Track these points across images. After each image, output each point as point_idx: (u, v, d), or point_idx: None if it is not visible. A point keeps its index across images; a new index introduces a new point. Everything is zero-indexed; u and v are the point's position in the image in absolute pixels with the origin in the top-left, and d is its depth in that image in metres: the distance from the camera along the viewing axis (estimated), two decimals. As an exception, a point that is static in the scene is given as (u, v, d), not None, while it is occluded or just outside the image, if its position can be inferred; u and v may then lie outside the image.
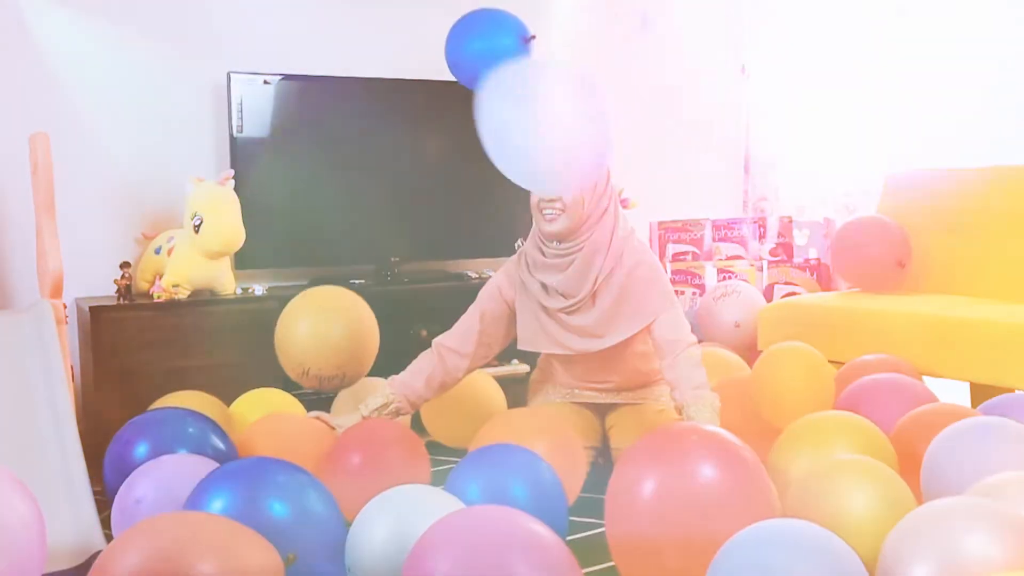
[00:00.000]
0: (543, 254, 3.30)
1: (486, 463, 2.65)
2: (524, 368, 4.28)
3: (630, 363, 3.39)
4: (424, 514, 2.19)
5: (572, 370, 3.44)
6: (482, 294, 3.43)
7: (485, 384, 3.81)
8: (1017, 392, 3.16)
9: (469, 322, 3.38)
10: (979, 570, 1.92)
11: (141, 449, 2.90)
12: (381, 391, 3.30)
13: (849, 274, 4.45)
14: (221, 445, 2.99)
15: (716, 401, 3.06)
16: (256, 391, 3.58)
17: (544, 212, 3.23)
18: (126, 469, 2.81)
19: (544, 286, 3.28)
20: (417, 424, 3.75)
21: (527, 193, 4.77)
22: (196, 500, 2.35)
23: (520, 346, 3.39)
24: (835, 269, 4.54)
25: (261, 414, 3.39)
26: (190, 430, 2.97)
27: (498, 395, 3.83)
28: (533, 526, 1.99)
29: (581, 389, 3.47)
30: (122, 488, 2.65)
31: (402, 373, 3.34)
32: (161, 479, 2.61)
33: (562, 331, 3.29)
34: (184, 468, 2.65)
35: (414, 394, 3.30)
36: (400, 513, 2.25)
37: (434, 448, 3.72)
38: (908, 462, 2.73)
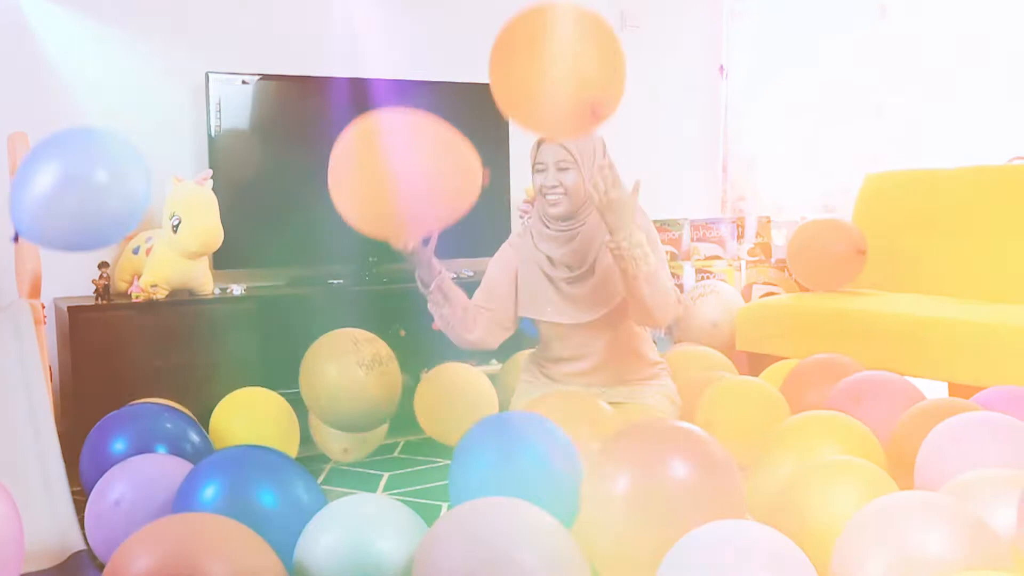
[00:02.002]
0: (547, 227, 3.39)
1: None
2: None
3: (627, 341, 3.43)
4: (374, 525, 2.20)
5: (567, 343, 3.44)
6: (492, 263, 3.51)
7: (478, 382, 3.85)
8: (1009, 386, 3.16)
9: (486, 286, 3.46)
10: (931, 567, 1.92)
11: (119, 445, 2.92)
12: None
13: (807, 274, 4.46)
14: (198, 441, 3.03)
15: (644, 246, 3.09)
16: (242, 390, 3.56)
17: (547, 197, 3.31)
18: (104, 464, 2.82)
19: (549, 257, 3.37)
20: (413, 421, 3.81)
21: (505, 195, 4.80)
22: (188, 489, 2.41)
23: (520, 311, 3.43)
24: (793, 271, 4.56)
25: (247, 414, 3.43)
26: (167, 426, 3.01)
27: (490, 393, 3.86)
28: (541, 517, 2.04)
29: (568, 380, 3.47)
30: (95, 490, 2.65)
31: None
32: (136, 481, 2.61)
33: (561, 300, 3.36)
34: (158, 469, 2.66)
35: (450, 288, 3.32)
36: (349, 524, 2.23)
37: (429, 448, 3.82)
38: (908, 461, 2.71)
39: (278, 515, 2.34)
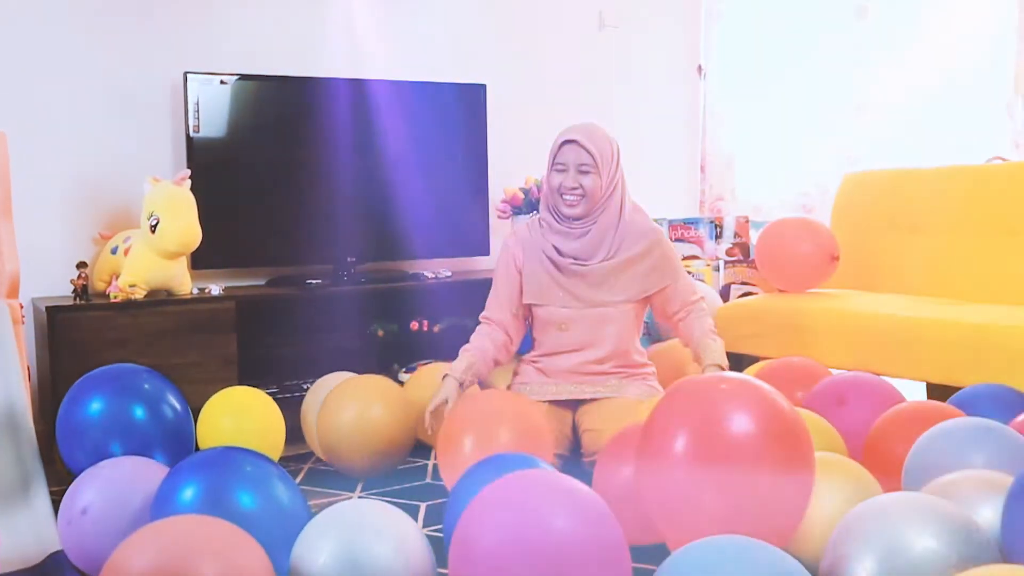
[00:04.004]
0: (557, 222, 3.45)
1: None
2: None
3: (627, 335, 3.47)
4: (370, 531, 2.19)
5: (571, 331, 3.46)
6: (499, 267, 3.54)
7: None
8: (988, 383, 3.17)
9: (497, 296, 3.51)
10: (920, 567, 1.94)
11: (96, 405, 2.94)
12: (462, 358, 3.36)
13: (776, 274, 4.47)
14: (176, 404, 3.05)
15: (722, 345, 3.36)
16: (230, 389, 3.55)
17: (565, 197, 3.38)
18: (79, 427, 2.90)
19: (556, 248, 3.44)
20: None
21: (484, 195, 4.80)
22: (166, 490, 2.40)
23: (526, 299, 3.47)
24: (762, 270, 4.56)
25: (235, 413, 3.44)
26: (145, 386, 3.02)
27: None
28: (571, 484, 2.10)
29: (565, 373, 3.49)
30: (65, 496, 2.64)
31: (470, 347, 3.41)
32: (106, 486, 2.59)
33: (573, 285, 3.42)
34: (128, 474, 2.64)
35: (482, 373, 3.41)
36: (346, 530, 2.21)
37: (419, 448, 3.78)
38: (887, 463, 2.73)
39: (258, 518, 2.31)
